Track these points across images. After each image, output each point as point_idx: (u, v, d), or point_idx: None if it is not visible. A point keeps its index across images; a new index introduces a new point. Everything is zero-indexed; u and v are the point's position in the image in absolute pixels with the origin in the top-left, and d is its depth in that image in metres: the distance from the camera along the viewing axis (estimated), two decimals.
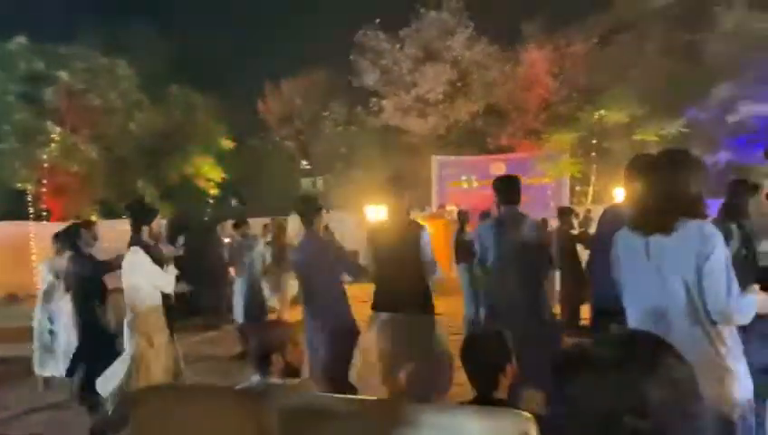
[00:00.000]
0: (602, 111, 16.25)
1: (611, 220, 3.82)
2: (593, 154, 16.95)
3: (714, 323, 2.15)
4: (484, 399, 2.19)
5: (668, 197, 2.23)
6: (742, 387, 2.16)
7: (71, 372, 4.79)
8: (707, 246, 2.12)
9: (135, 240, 4.20)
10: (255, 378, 2.39)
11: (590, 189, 17.34)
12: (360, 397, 2.12)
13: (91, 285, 4.72)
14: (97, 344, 4.59)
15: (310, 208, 4.43)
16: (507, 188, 4.02)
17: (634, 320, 2.38)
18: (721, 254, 2.13)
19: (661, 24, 17.49)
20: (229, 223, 8.72)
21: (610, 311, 2.85)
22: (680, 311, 2.19)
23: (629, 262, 2.39)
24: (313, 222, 4.37)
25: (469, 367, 2.27)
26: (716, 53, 15.49)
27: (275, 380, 2.32)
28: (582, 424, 0.79)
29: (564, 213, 8.31)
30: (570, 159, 16.62)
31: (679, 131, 15.26)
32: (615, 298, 2.54)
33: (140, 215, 4.33)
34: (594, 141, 16.90)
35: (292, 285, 11.47)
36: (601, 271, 2.99)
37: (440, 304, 10.55)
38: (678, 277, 2.19)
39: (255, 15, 34.44)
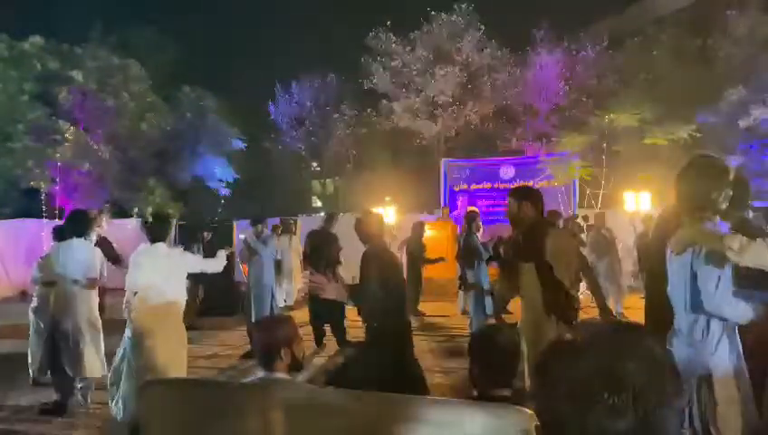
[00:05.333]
0: (612, 115, 16.16)
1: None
2: (603, 157, 16.87)
3: None
4: (488, 395, 2.20)
5: None
6: None
7: None
8: None
9: None
10: (261, 373, 2.42)
11: (600, 193, 17.26)
12: (362, 392, 2.14)
13: None
14: None
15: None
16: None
17: None
18: None
19: (672, 29, 17.40)
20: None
21: None
22: None
23: None
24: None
25: (477, 364, 2.28)
26: (728, 57, 15.38)
27: (280, 375, 2.35)
28: (565, 403, 0.82)
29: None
30: (580, 162, 16.55)
31: (690, 135, 15.15)
32: None
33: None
34: (604, 145, 16.82)
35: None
36: None
37: (444, 307, 10.53)
38: None
39: (267, 17, 34.67)
